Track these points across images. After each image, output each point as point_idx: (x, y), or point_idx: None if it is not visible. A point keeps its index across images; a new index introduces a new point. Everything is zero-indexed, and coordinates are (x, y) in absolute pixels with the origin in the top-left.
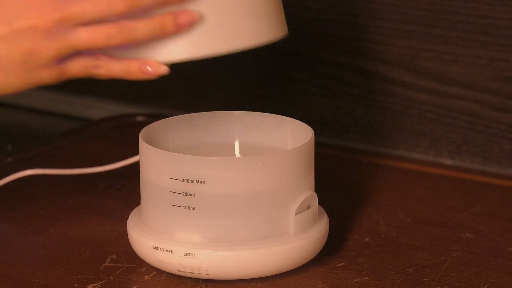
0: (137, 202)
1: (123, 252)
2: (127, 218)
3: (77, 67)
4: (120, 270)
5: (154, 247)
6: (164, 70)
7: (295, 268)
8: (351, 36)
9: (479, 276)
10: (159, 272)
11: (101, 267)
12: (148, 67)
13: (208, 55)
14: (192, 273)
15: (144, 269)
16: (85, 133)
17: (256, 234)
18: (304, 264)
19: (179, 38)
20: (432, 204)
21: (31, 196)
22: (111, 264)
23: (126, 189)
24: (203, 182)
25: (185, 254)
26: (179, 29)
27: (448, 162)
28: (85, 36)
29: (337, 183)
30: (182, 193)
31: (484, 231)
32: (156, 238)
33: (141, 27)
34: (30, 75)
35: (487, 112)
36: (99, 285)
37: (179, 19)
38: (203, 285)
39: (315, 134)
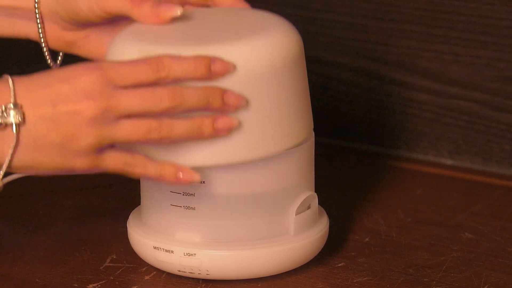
0: (137, 202)
1: (123, 252)
2: (127, 218)
3: (113, 162)
4: (120, 270)
5: (154, 247)
6: (197, 178)
7: (295, 268)
8: (351, 36)
9: (479, 276)
10: (159, 272)
11: (101, 267)
12: (181, 173)
13: (240, 162)
14: (192, 273)
15: (144, 269)
16: None
17: (256, 234)
18: (304, 264)
19: (213, 143)
20: (432, 204)
21: (31, 196)
22: (111, 264)
23: (126, 189)
24: (203, 182)
25: (185, 254)
26: (217, 134)
27: (448, 162)
28: (126, 128)
29: (337, 183)
30: (182, 193)
31: (484, 231)
32: (156, 238)
33: (180, 126)
34: (65, 160)
35: (487, 112)
36: (99, 285)
37: (218, 123)
38: (203, 285)
39: (315, 134)
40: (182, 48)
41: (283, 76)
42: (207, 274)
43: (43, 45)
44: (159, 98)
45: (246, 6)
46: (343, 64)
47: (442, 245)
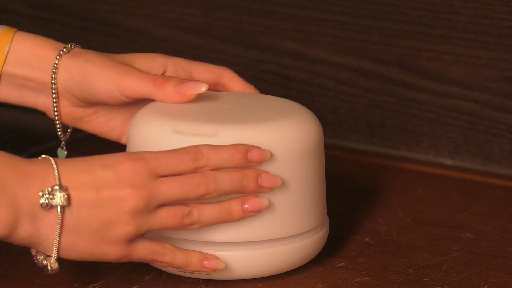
0: None
1: None
2: None
3: (144, 251)
4: (120, 270)
5: None
6: (222, 266)
7: (295, 268)
8: (351, 36)
9: (479, 276)
10: (159, 272)
11: (101, 267)
12: (206, 262)
13: (261, 240)
14: (192, 273)
15: (144, 269)
16: (85, 133)
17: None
18: (304, 264)
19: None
20: (432, 204)
21: None
22: (111, 264)
23: None
24: None
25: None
26: (246, 216)
27: (448, 162)
28: (163, 216)
29: (337, 183)
30: None
31: (484, 231)
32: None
33: (210, 211)
34: (99, 246)
35: (487, 112)
36: (99, 285)
37: (248, 205)
38: (203, 285)
39: None
40: (208, 126)
41: (308, 159)
42: (207, 275)
43: (56, 119)
44: (196, 186)
45: (256, 92)
46: (343, 64)
47: (442, 245)
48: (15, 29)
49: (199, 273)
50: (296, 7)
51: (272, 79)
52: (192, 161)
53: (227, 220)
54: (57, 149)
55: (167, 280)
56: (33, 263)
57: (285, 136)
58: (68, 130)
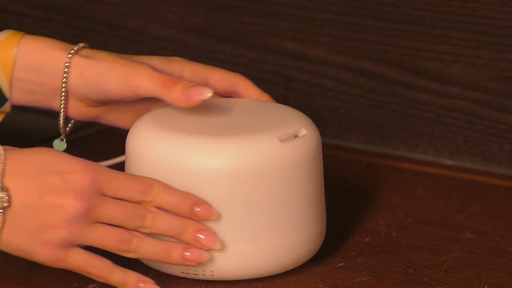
0: None
1: None
2: None
3: (78, 261)
4: None
5: None
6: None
7: (295, 268)
8: (351, 36)
9: (479, 276)
10: (159, 272)
11: None
12: (142, 284)
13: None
14: (196, 274)
15: (144, 269)
16: (85, 133)
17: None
18: (304, 264)
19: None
20: (432, 204)
21: None
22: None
23: None
24: None
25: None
26: (182, 263)
27: (448, 162)
28: (100, 233)
29: (337, 183)
30: None
31: (484, 231)
32: None
33: (149, 245)
34: (33, 246)
35: (487, 112)
36: (99, 285)
37: (188, 254)
38: (203, 285)
39: None
40: (203, 138)
41: (305, 169)
42: (211, 275)
43: (61, 119)
44: (136, 216)
45: (270, 100)
46: (343, 64)
47: (442, 245)
48: (22, 33)
49: (203, 274)
50: (296, 7)
51: (272, 79)
52: (140, 193)
53: (163, 260)
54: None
55: (167, 280)
56: (33, 263)
57: (280, 148)
58: (70, 124)
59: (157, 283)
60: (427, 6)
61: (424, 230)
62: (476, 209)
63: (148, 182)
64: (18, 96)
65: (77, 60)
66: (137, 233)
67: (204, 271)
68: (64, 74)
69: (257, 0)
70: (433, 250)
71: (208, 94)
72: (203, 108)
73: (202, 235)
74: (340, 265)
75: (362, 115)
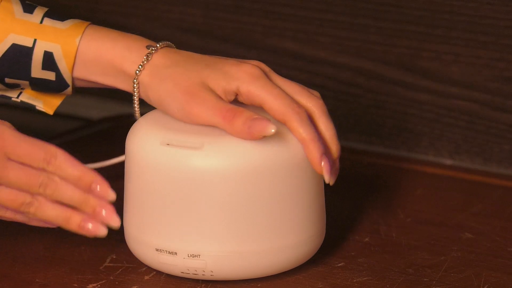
0: None
1: (123, 252)
2: None
3: (5, 197)
4: (120, 270)
5: (157, 249)
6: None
7: (295, 268)
8: (351, 36)
9: (479, 276)
10: (159, 272)
11: (101, 267)
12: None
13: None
14: (196, 274)
15: (144, 269)
16: (85, 133)
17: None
18: (304, 264)
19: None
20: (432, 204)
21: None
22: (111, 264)
23: None
24: None
25: (189, 255)
26: (79, 231)
27: (448, 162)
28: (2, 196)
29: (337, 183)
30: None
31: (484, 231)
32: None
33: (50, 210)
34: None
35: (487, 112)
36: (99, 285)
37: (85, 225)
38: (202, 285)
39: None
40: (202, 138)
41: (305, 169)
42: (211, 275)
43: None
44: (38, 184)
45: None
46: (343, 64)
47: (442, 245)
48: (87, 23)
49: (203, 274)
50: (296, 7)
51: None
52: (43, 162)
53: (61, 225)
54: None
55: (167, 280)
56: (33, 263)
57: (279, 149)
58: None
59: (157, 283)
60: (427, 6)
61: (424, 230)
62: (476, 209)
63: (52, 152)
64: (82, 84)
65: (142, 78)
66: (40, 197)
67: (204, 271)
68: (135, 89)
69: (257, 0)
70: (433, 250)
71: (271, 131)
72: None
73: (104, 209)
74: (340, 265)
75: (362, 115)
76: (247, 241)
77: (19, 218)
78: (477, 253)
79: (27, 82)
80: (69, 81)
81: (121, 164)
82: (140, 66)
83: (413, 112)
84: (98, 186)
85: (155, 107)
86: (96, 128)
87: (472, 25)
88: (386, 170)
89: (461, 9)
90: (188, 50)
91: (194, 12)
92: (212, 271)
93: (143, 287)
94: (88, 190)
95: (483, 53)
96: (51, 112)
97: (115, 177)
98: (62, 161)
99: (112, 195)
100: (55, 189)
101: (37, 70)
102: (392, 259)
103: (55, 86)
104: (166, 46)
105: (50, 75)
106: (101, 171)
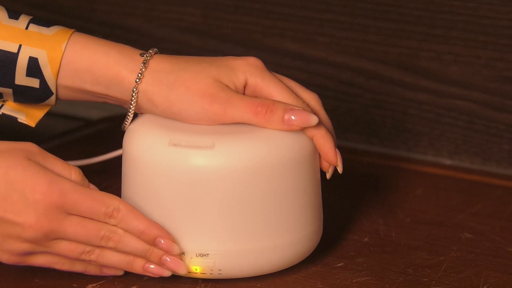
0: None
1: None
2: None
3: (41, 261)
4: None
5: None
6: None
7: (295, 268)
8: (350, 36)
9: (478, 276)
10: None
11: None
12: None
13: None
14: (204, 273)
15: None
16: (85, 133)
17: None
18: (304, 264)
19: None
20: (432, 204)
21: None
22: None
23: None
24: None
25: (197, 255)
26: (144, 273)
27: (448, 162)
28: (62, 248)
29: (336, 182)
30: None
31: (484, 231)
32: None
33: (113, 256)
34: None
35: (487, 112)
36: (98, 285)
37: (150, 269)
38: (202, 285)
39: None
40: (200, 137)
41: (303, 168)
42: (219, 274)
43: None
44: (100, 238)
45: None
46: (342, 64)
47: (442, 245)
48: (71, 30)
49: (211, 273)
50: (296, 7)
51: None
52: (105, 216)
53: (125, 269)
54: (56, 149)
55: (166, 280)
56: None
57: (278, 147)
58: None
59: (157, 283)
60: (427, 6)
61: (423, 230)
62: (475, 209)
63: (115, 205)
64: (89, 97)
65: (143, 86)
66: (99, 248)
67: (212, 270)
68: (133, 98)
69: (257, 0)
70: (432, 250)
71: (313, 121)
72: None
73: (168, 258)
74: (339, 265)
75: (361, 115)
76: (244, 239)
77: (77, 267)
78: (477, 253)
79: (10, 91)
80: (53, 89)
81: (119, 159)
82: (139, 74)
83: (413, 112)
84: (162, 241)
85: (159, 114)
86: (96, 128)
87: (471, 25)
88: (385, 170)
89: (461, 9)
90: (188, 50)
91: (193, 12)
92: (220, 270)
93: (143, 287)
94: (152, 244)
95: (483, 53)
96: (33, 124)
97: (115, 177)
98: (126, 214)
99: (177, 250)
100: (119, 242)
101: (21, 77)
102: (392, 259)
103: (39, 95)
104: (156, 53)
105: (34, 82)
106: (99, 169)
